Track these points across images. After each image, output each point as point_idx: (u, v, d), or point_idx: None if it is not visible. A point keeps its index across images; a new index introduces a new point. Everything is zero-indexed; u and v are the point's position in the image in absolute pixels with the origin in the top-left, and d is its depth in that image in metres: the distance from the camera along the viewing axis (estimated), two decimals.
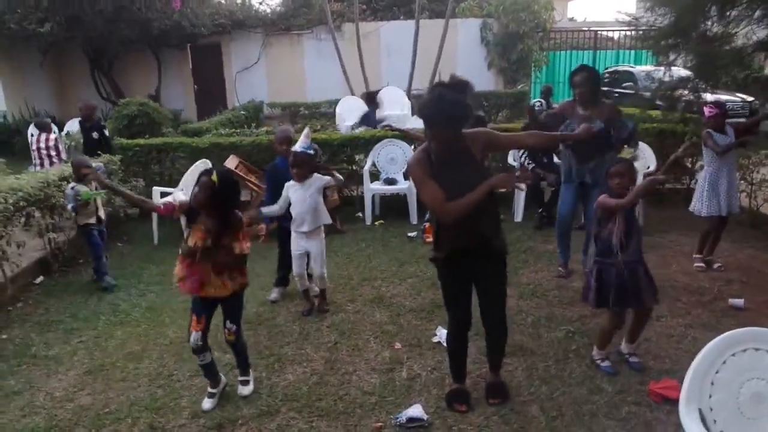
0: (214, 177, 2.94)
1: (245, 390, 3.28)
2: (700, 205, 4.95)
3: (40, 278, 5.30)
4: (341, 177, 4.55)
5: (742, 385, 2.07)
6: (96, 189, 4.88)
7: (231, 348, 3.31)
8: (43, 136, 7.55)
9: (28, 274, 5.27)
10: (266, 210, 4.23)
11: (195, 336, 3.09)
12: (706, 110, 4.98)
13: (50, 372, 3.67)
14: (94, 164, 5.45)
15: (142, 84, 15.33)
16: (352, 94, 12.93)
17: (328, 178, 4.28)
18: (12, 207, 4.67)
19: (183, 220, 3.30)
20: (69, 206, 4.93)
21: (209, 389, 3.22)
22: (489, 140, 2.88)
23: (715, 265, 4.97)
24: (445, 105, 2.64)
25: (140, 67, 15.73)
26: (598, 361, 3.43)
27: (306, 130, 4.44)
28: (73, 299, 4.87)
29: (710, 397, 2.06)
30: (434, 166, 2.78)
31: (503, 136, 3.02)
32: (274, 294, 4.64)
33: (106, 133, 7.78)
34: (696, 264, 4.98)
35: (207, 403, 3.16)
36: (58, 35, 12.76)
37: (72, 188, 4.90)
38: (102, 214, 5.24)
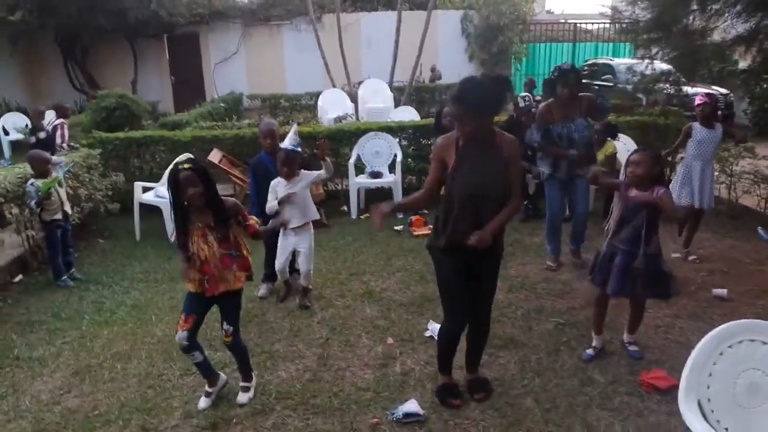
0: (188, 165, 2.81)
1: (244, 397, 3.16)
2: (675, 194, 5.00)
3: (19, 277, 5.16)
4: (330, 165, 4.43)
5: (738, 375, 2.10)
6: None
7: (229, 350, 3.21)
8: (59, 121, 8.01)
9: (6, 273, 5.12)
10: (271, 224, 3.80)
11: (180, 335, 2.98)
12: (698, 98, 5.01)
13: (35, 374, 3.57)
14: (54, 158, 5.34)
15: (117, 75, 15.00)
16: (333, 86, 12.85)
17: (316, 173, 4.24)
18: None
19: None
20: (32, 203, 4.80)
21: (206, 388, 3.14)
22: (510, 160, 2.80)
23: (691, 258, 5.02)
24: (487, 95, 2.63)
25: (115, 57, 15.41)
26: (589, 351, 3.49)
27: (294, 127, 4.38)
28: (54, 298, 4.76)
29: (708, 388, 2.09)
30: (460, 150, 2.77)
31: (512, 173, 2.83)
32: (263, 290, 4.59)
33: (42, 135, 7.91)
34: (672, 254, 5.02)
35: (203, 402, 3.10)
36: (30, 23, 12.41)
37: (32, 184, 4.79)
38: (68, 209, 5.11)
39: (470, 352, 3.20)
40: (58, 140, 8.01)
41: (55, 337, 4.07)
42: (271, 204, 4.10)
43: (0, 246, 4.91)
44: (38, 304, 4.65)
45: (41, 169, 4.88)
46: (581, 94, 4.65)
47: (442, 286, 3.02)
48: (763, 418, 2.11)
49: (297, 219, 4.15)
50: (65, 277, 5.03)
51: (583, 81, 4.74)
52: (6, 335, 4.13)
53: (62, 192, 5.06)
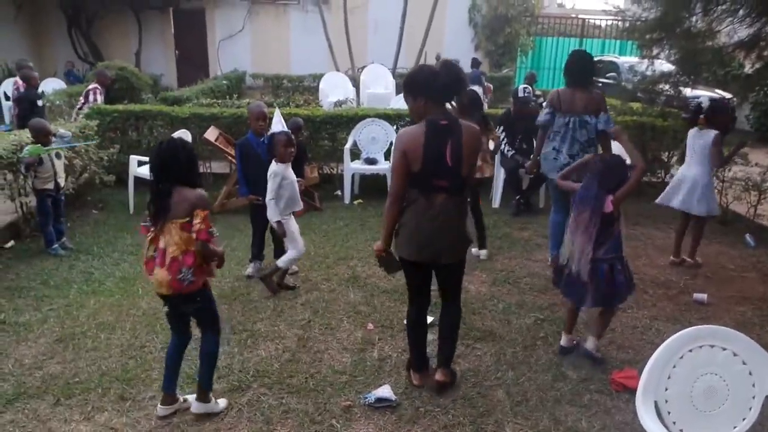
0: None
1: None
2: (672, 197, 4.97)
3: (11, 243, 5.21)
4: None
5: (696, 379, 2.16)
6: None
7: None
8: None
9: None
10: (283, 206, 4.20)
11: None
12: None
13: (20, 339, 3.64)
14: (61, 130, 5.36)
15: (121, 46, 14.96)
16: (337, 69, 12.81)
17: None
18: None
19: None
20: (21, 167, 4.85)
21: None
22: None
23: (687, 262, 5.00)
24: None
25: (120, 28, 15.34)
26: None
27: (277, 111, 4.48)
28: (44, 266, 4.81)
29: (666, 390, 2.15)
30: None
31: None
32: (250, 269, 4.65)
33: (40, 103, 7.72)
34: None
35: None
36: None
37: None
38: (61, 181, 5.13)
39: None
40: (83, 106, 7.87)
41: (42, 303, 4.13)
42: (274, 212, 4.14)
43: None
44: (28, 270, 4.71)
45: (41, 141, 4.90)
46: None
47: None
48: (718, 421, 2.17)
49: (298, 203, 4.27)
50: (56, 245, 5.08)
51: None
52: None
53: (58, 164, 5.08)
